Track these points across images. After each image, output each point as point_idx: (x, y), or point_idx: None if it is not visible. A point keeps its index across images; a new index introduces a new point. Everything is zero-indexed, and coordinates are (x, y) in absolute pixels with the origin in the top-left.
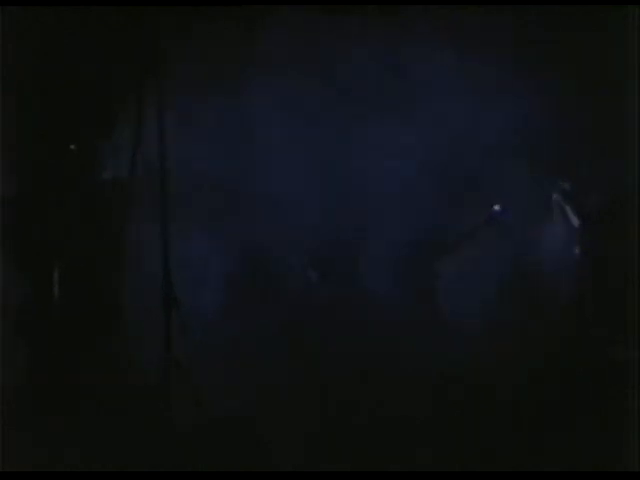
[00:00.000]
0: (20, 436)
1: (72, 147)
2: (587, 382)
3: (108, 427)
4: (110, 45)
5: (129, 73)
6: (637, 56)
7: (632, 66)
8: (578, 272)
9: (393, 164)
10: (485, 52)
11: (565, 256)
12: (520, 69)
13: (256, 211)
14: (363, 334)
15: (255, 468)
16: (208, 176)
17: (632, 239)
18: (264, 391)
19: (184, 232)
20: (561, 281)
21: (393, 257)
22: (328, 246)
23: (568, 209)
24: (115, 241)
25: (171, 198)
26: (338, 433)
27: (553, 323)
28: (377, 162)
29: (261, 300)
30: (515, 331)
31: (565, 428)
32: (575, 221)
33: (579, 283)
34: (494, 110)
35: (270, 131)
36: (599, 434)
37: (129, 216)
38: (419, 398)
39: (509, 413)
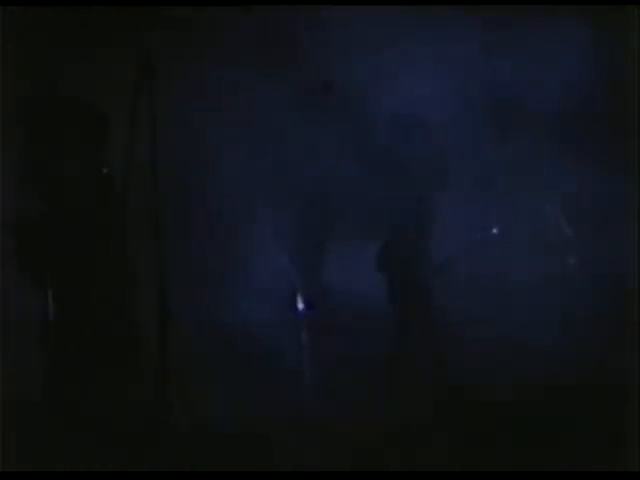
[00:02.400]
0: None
1: (105, 170)
2: (587, 382)
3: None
4: (108, 45)
5: (126, 74)
6: (637, 56)
7: (632, 66)
8: (574, 281)
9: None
10: (484, 52)
11: (561, 265)
12: (520, 68)
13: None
14: None
15: (254, 468)
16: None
17: (631, 244)
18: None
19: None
20: (558, 290)
21: None
22: None
23: (562, 219)
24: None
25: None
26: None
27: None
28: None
29: None
30: (514, 339)
31: (565, 429)
32: (569, 231)
33: (576, 292)
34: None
35: None
36: (599, 434)
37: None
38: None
39: (509, 415)
